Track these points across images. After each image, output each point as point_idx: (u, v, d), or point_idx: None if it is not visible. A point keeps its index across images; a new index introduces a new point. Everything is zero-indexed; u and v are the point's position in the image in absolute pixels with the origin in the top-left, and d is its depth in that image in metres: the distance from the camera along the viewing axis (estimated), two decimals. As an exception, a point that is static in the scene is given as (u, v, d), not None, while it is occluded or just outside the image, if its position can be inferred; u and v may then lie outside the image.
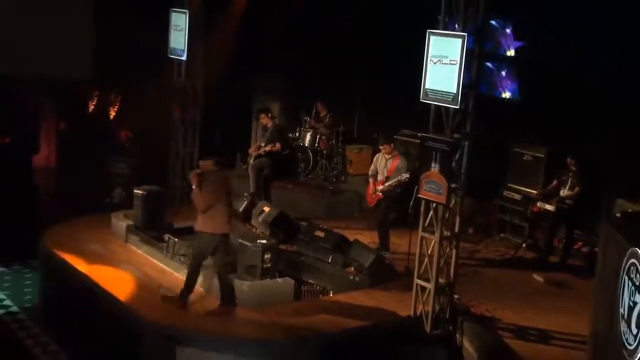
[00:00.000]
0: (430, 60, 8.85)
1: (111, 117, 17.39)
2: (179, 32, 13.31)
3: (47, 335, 10.84)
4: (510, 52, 9.55)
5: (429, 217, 9.22)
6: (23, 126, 15.17)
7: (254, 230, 11.90)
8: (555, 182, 11.65)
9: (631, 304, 6.08)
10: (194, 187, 9.50)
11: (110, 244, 11.67)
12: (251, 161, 13.09)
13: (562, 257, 11.52)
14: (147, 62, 14.21)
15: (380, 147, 11.71)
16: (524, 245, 12.15)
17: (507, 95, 9.56)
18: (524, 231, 12.40)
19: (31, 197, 14.52)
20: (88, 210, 13.15)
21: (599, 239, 8.36)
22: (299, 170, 15.11)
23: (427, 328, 9.20)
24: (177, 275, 10.30)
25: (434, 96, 8.88)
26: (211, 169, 9.71)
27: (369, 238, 11.78)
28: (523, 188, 12.53)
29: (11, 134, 14.96)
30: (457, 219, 9.21)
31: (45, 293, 11.50)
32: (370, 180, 11.70)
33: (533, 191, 12.24)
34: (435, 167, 8.93)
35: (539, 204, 11.70)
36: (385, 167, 11.53)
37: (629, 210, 10.26)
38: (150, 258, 11.17)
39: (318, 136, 15.04)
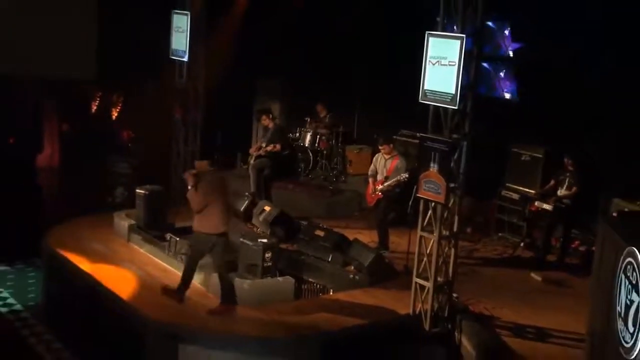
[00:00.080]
0: (429, 61, 8.87)
1: (113, 117, 17.43)
2: (180, 33, 13.30)
3: (50, 334, 10.85)
4: (509, 54, 9.58)
5: (427, 217, 9.25)
6: (26, 126, 15.20)
7: (254, 229, 11.95)
8: (552, 182, 11.69)
9: (628, 302, 6.11)
10: (189, 187, 9.49)
11: (112, 243, 11.72)
12: (252, 161, 13.12)
13: (560, 256, 11.57)
14: (149, 63, 14.28)
15: (380, 147, 11.75)
16: (522, 244, 12.20)
17: (506, 96, 9.59)
18: (522, 230, 12.45)
19: (34, 196, 14.48)
20: (91, 210, 13.19)
21: (596, 238, 8.39)
22: (299, 170, 15.12)
23: (426, 326, 9.23)
24: (180, 274, 10.26)
25: (432, 97, 8.91)
26: (207, 169, 9.72)
27: (368, 237, 11.81)
28: (521, 188, 12.59)
29: (14, 134, 14.98)
30: (456, 218, 9.24)
31: (48, 292, 11.53)
32: (370, 180, 11.75)
33: (531, 191, 12.29)
34: (434, 167, 8.96)
35: (536, 203, 11.74)
36: (384, 167, 11.58)
37: (626, 210, 10.35)
38: (153, 257, 11.23)
39: (318, 136, 15.06)
